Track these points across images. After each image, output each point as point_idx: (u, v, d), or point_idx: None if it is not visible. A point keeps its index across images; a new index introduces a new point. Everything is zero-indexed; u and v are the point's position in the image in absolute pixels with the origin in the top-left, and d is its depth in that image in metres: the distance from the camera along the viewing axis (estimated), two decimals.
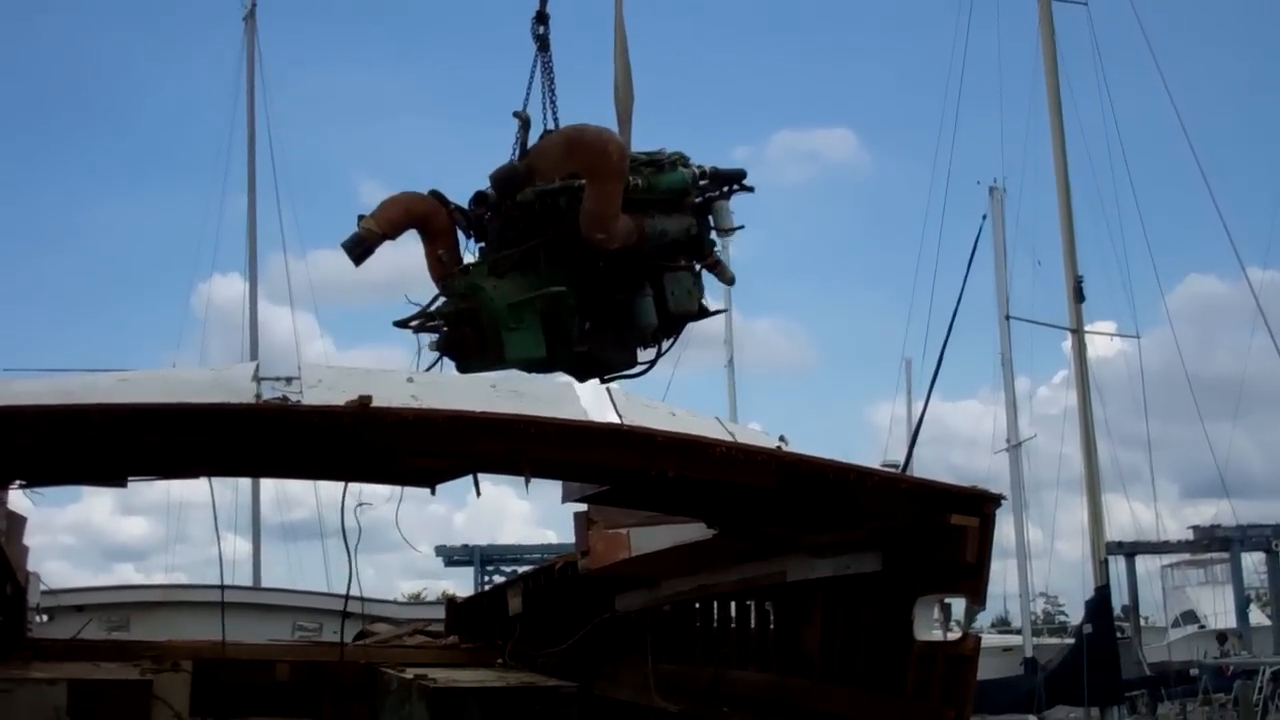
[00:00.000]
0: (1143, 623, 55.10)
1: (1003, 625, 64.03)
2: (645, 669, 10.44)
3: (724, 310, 9.24)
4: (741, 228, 8.75)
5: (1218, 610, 59.82)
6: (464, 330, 8.24)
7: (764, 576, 8.93)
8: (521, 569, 28.25)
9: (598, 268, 8.31)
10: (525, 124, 8.51)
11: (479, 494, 7.93)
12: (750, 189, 8.81)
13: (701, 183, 8.67)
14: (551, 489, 8.98)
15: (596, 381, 8.08)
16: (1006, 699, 32.57)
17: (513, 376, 7.93)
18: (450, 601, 14.45)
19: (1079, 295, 31.38)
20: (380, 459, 7.38)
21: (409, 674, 10.07)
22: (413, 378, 7.14)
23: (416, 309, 8.51)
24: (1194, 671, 43.67)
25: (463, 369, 8.33)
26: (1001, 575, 46.54)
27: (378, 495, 8.23)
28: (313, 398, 6.60)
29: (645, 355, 9.05)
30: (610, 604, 11.20)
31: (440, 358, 8.43)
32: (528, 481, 7.89)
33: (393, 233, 8.36)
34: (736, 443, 7.18)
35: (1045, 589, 67.97)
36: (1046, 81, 31.50)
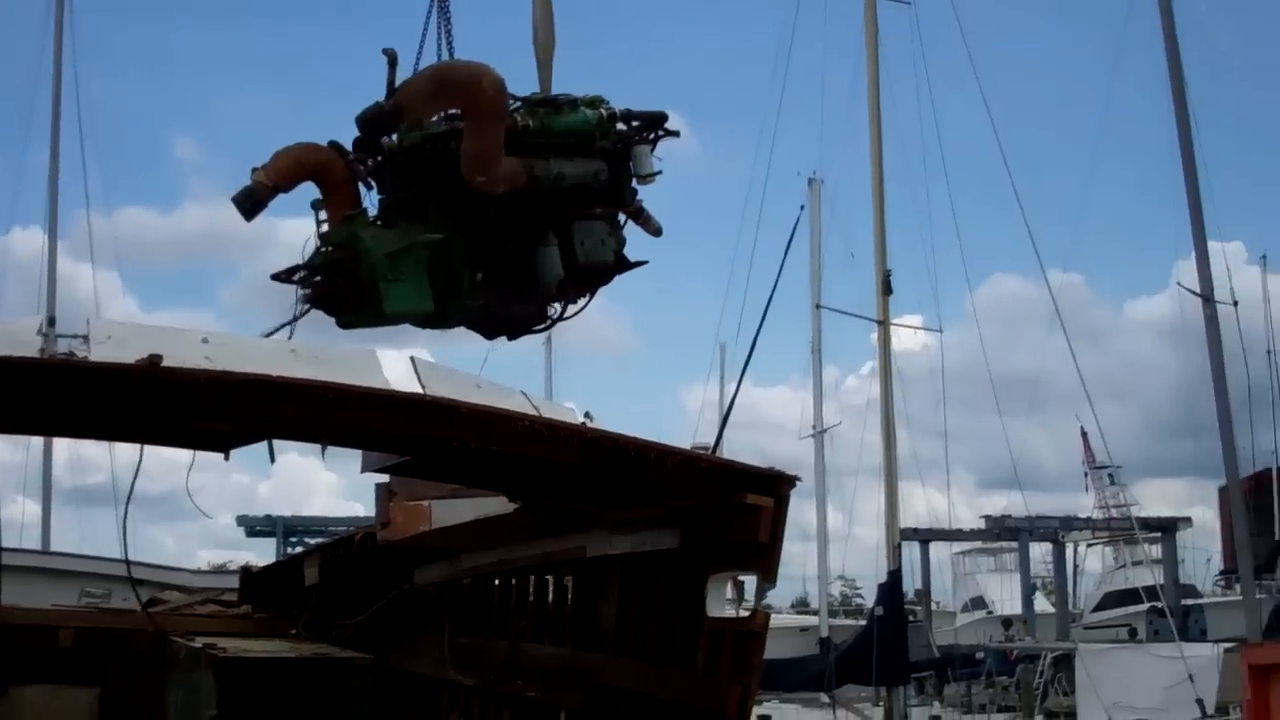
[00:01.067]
0: (934, 607, 56.72)
1: (802, 606, 65.27)
2: (442, 642, 10.37)
3: (645, 262, 8.60)
4: (659, 173, 8.21)
5: (1005, 597, 61.92)
6: (338, 282, 7.71)
7: (563, 551, 8.93)
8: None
9: (491, 215, 7.80)
10: (393, 61, 7.74)
11: (273, 460, 7.79)
12: (674, 133, 8.35)
13: (617, 126, 8.17)
14: (358, 459, 8.78)
15: (403, 353, 7.94)
16: (798, 678, 33.24)
17: (315, 343, 7.74)
18: (245, 571, 14.15)
19: (887, 288, 32.10)
20: (171, 421, 7.17)
21: (198, 643, 9.85)
22: (208, 338, 6.90)
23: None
24: (980, 655, 45.19)
25: (344, 324, 7.84)
26: (802, 558, 47.56)
27: (178, 461, 7.96)
28: (101, 354, 6.35)
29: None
30: (409, 576, 11.09)
31: (307, 310, 7.92)
32: (324, 449, 7.78)
33: (285, 185, 7.73)
34: (539, 417, 7.16)
35: (843, 572, 69.37)
36: (868, 78, 32.05)
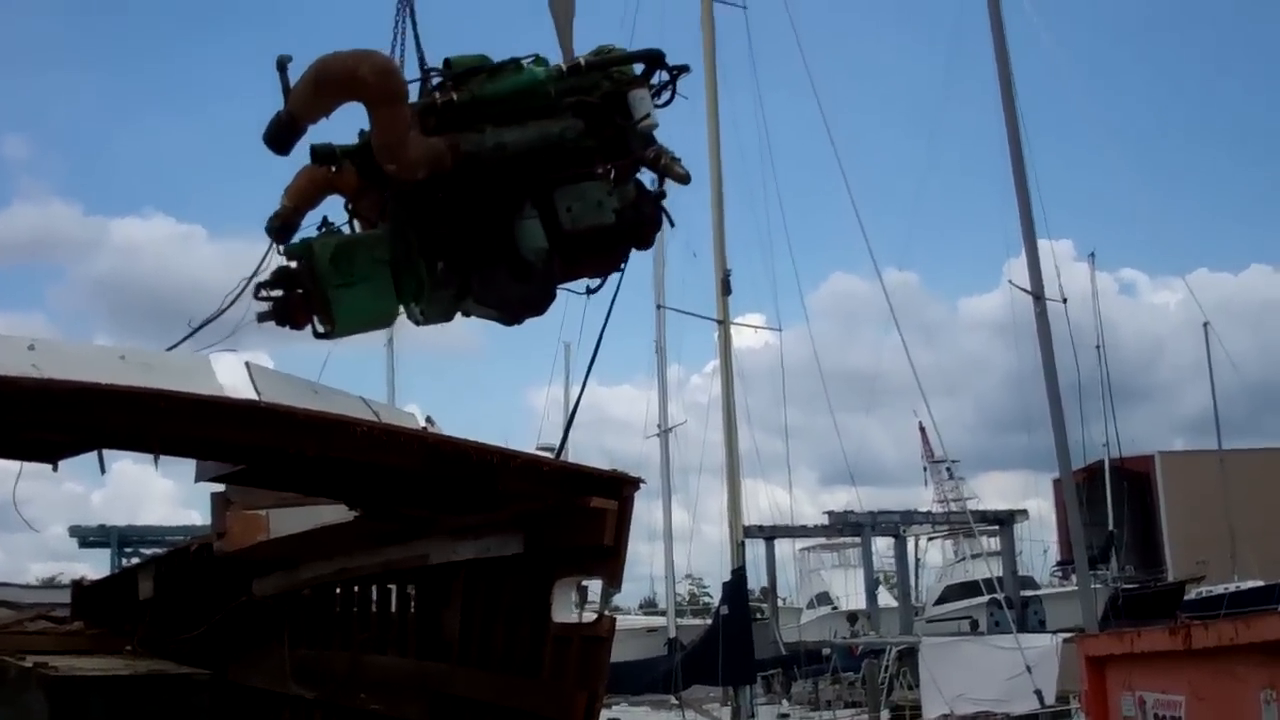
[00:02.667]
0: (780, 604, 57.41)
1: (650, 606, 65.59)
2: (282, 655, 10.16)
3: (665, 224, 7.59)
4: (657, 124, 7.32)
5: (849, 592, 63.01)
6: (293, 295, 7.20)
7: (406, 559, 8.81)
8: (161, 551, 27.17)
9: (439, 199, 7.14)
10: (281, 67, 7.06)
11: (103, 471, 7.53)
12: (682, 69, 7.46)
13: (600, 73, 7.33)
14: (192, 466, 8.53)
15: (239, 357, 7.70)
16: (646, 679, 33.31)
17: (145, 350, 7.50)
18: (77, 585, 13.72)
19: (726, 288, 32.44)
20: None
21: (28, 662, 9.50)
22: (34, 345, 6.66)
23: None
24: (826, 651, 45.80)
25: (317, 336, 7.31)
26: (649, 557, 47.81)
27: (5, 470, 7.64)
28: None
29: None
30: (247, 588, 10.86)
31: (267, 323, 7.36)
32: (157, 459, 7.55)
33: (306, 205, 7.30)
34: (379, 423, 7.05)
35: (690, 571, 70.11)
36: (705, 80, 32.28)
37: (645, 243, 7.58)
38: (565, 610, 7.39)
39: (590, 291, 7.73)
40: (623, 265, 7.61)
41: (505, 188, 7.11)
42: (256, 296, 7.27)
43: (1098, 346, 57.06)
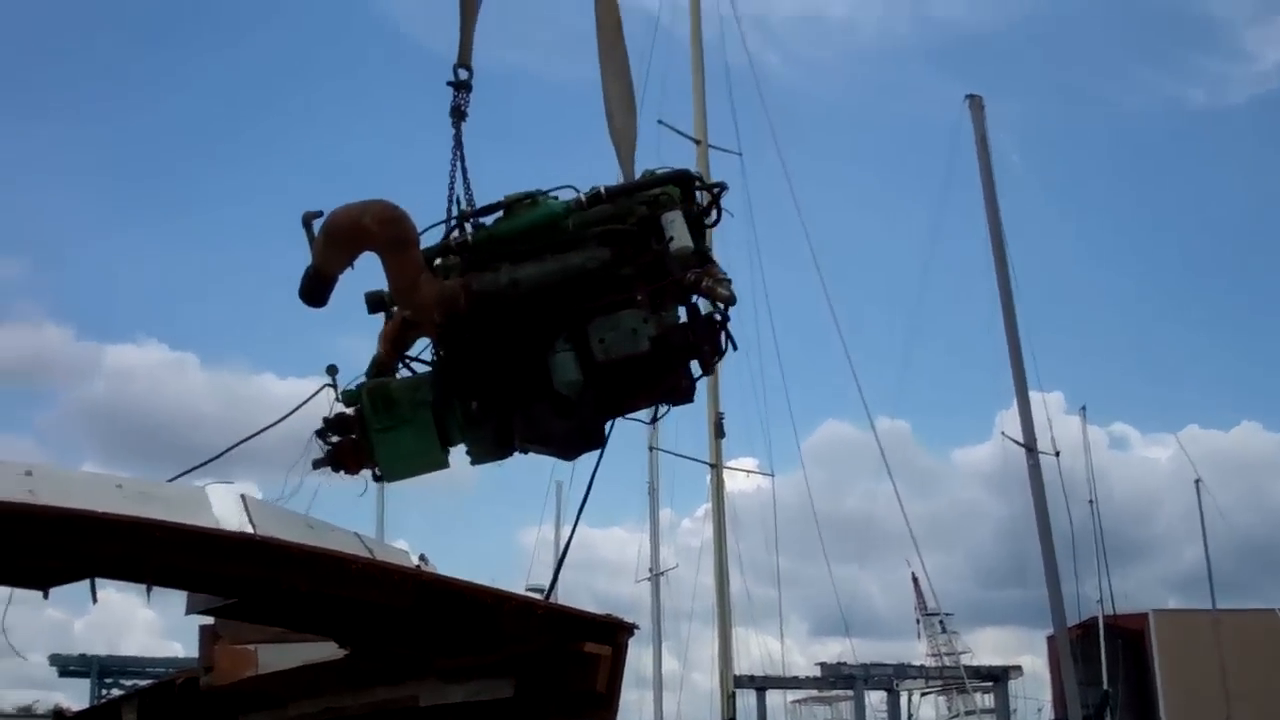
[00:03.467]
0: None
1: None
2: None
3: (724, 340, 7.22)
4: (691, 247, 6.96)
5: None
6: (345, 441, 7.26)
7: (395, 700, 8.68)
8: (143, 683, 26.83)
9: (467, 340, 7.11)
10: (305, 224, 7.10)
11: (95, 600, 7.46)
12: (720, 187, 7.25)
13: (612, 203, 7.11)
14: (178, 597, 8.47)
15: (234, 489, 7.69)
16: None
17: (142, 479, 7.50)
18: (58, 715, 13.54)
19: (719, 431, 32.60)
20: None
21: None
22: (31, 470, 6.67)
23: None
24: None
25: (376, 479, 7.38)
26: (638, 705, 47.18)
27: None
28: None
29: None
30: None
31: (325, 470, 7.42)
32: (149, 590, 7.49)
33: (396, 349, 7.34)
34: (373, 560, 7.00)
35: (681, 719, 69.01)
36: None
37: (703, 368, 7.30)
38: None
39: (654, 420, 7.70)
40: (687, 392, 7.30)
41: (532, 323, 7.00)
42: (319, 440, 7.34)
43: (1090, 500, 56.97)
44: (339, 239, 7.01)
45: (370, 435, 7.11)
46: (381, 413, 7.08)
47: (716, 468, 32.95)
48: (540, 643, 7.13)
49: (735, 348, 7.27)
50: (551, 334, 6.98)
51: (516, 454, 7.38)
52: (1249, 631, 55.53)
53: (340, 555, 6.82)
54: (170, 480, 7.49)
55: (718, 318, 7.21)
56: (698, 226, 7.17)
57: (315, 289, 7.08)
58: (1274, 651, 49.50)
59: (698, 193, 7.22)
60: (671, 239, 6.92)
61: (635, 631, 7.14)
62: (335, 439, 7.28)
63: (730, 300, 7.05)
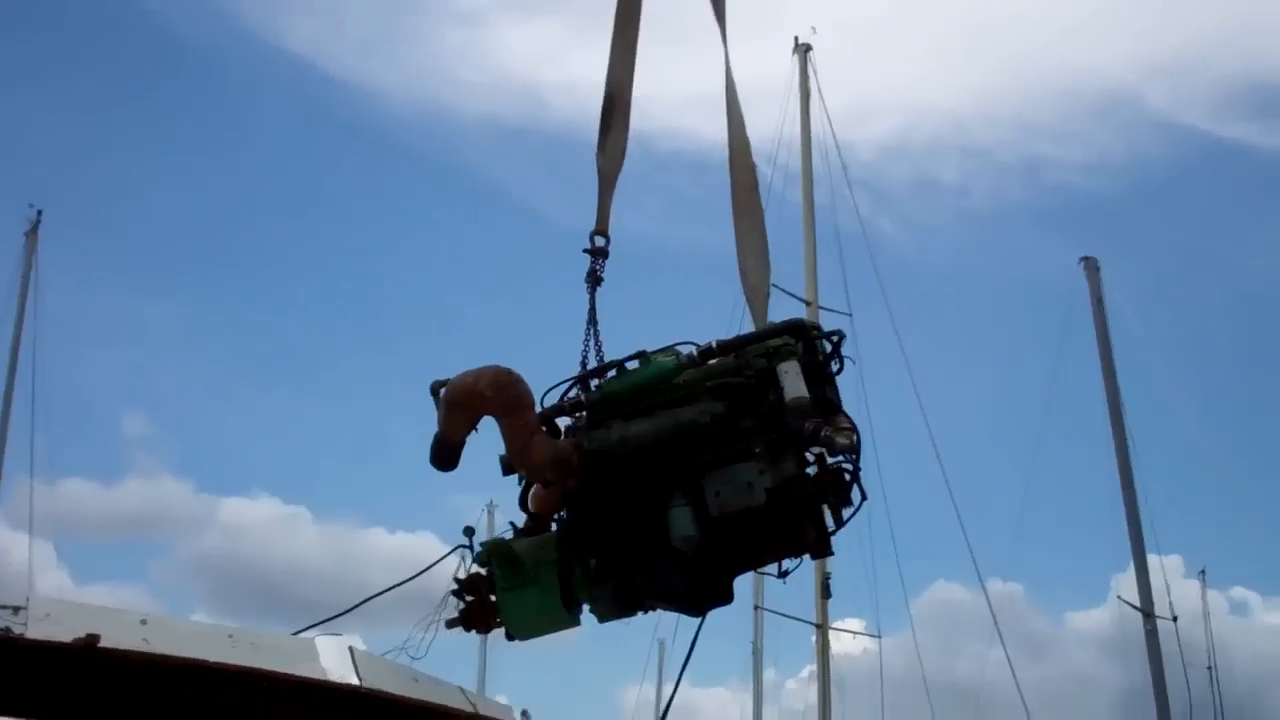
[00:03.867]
0: None
1: None
2: None
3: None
4: (805, 397, 6.88)
5: None
6: (475, 600, 7.31)
7: None
8: None
9: (589, 498, 7.22)
10: (434, 393, 7.39)
11: None
12: (839, 335, 7.16)
13: (727, 357, 7.15)
14: None
15: (342, 642, 7.82)
16: None
17: (252, 630, 7.67)
18: None
19: (826, 592, 32.25)
20: (105, 704, 7.03)
21: None
22: (146, 620, 6.87)
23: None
24: None
25: (509, 637, 7.29)
26: None
27: None
28: (38, 631, 6.30)
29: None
30: None
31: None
32: None
33: (549, 511, 7.43)
34: (478, 714, 7.06)
35: None
36: None
37: (834, 519, 7.03)
38: None
39: (783, 575, 7.63)
40: (819, 545, 7.10)
41: (647, 479, 7.03)
42: (457, 597, 7.46)
43: (1209, 667, 55.26)
44: (457, 405, 7.22)
45: (498, 594, 7.17)
46: (507, 572, 7.16)
47: (822, 628, 32.55)
48: None
49: (865, 497, 7.06)
50: (668, 490, 6.97)
51: (643, 612, 7.38)
52: None
53: (446, 709, 6.88)
54: (295, 634, 7.63)
55: (846, 468, 7.03)
56: (819, 376, 7.08)
57: (443, 454, 7.28)
58: None
59: (818, 343, 7.13)
60: (785, 388, 6.85)
61: None
62: (469, 599, 7.37)
63: (850, 449, 6.89)
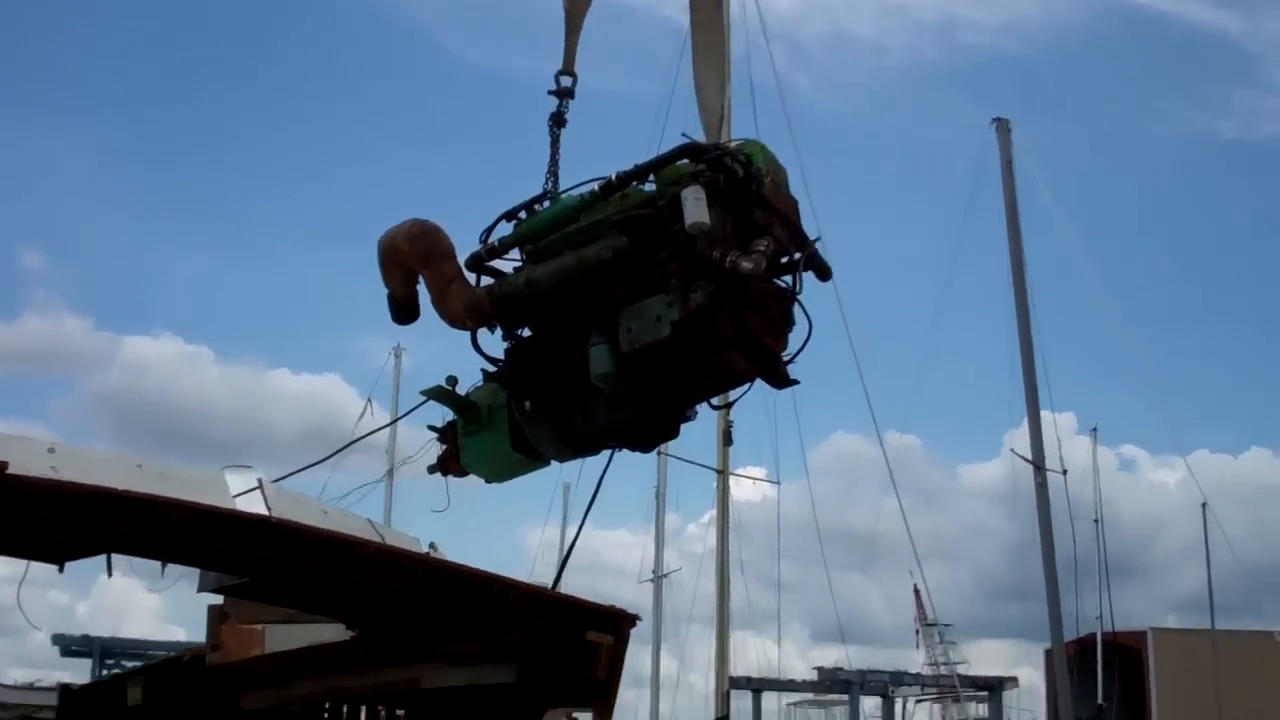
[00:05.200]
0: None
1: None
2: None
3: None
4: (704, 222, 6.37)
5: None
6: (444, 445, 7.33)
7: (399, 682, 8.86)
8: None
9: (515, 342, 7.15)
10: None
11: (110, 574, 7.64)
12: (722, 151, 6.73)
13: (629, 191, 6.84)
14: (184, 583, 8.59)
15: (250, 474, 7.83)
16: None
17: (161, 462, 7.68)
18: (64, 689, 13.69)
19: (727, 439, 32.78)
20: (12, 529, 7.05)
21: None
22: (54, 448, 6.86)
23: None
24: None
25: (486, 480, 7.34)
26: (634, 704, 47.33)
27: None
28: None
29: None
30: (236, 702, 10.86)
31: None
32: (164, 566, 7.67)
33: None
34: (384, 544, 7.19)
35: (675, 719, 69.30)
36: None
37: (774, 344, 6.76)
38: None
39: (723, 407, 7.50)
40: (780, 377, 6.85)
41: (565, 321, 6.91)
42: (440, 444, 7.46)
43: (1096, 520, 57.11)
44: (383, 260, 7.28)
45: (459, 439, 7.15)
46: (469, 417, 7.20)
47: (723, 474, 33.14)
48: (544, 630, 7.30)
49: (811, 323, 6.76)
50: (588, 329, 6.79)
51: (594, 452, 7.36)
52: (1247, 654, 55.50)
53: (353, 539, 7.01)
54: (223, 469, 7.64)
55: (789, 293, 6.78)
56: (740, 200, 6.68)
57: (396, 310, 7.30)
58: (1271, 675, 49.45)
59: (727, 165, 6.64)
60: (685, 214, 6.44)
61: (637, 622, 7.31)
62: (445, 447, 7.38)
63: (753, 271, 6.43)
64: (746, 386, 6.97)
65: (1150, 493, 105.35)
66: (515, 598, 7.16)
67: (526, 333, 7.13)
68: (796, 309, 6.70)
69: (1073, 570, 34.95)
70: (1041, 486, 25.27)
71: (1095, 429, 58.67)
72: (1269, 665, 48.84)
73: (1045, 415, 27.67)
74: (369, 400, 48.02)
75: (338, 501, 9.43)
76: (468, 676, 8.09)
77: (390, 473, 46.16)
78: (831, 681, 52.31)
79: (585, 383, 6.77)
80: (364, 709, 9.72)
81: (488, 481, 7.29)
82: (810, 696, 62.68)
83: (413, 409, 7.51)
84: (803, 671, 56.06)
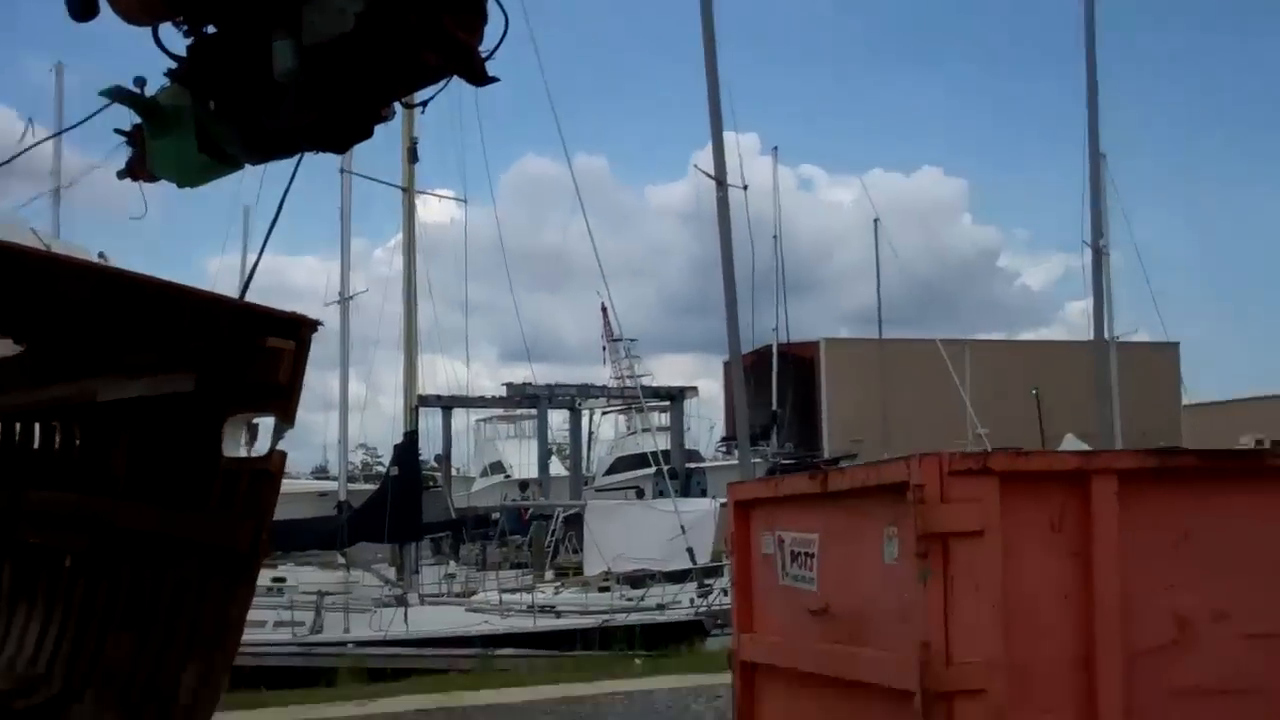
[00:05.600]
0: (454, 472, 58.00)
1: (321, 473, 65.16)
2: None
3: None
4: None
5: (523, 461, 64.23)
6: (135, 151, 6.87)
7: (73, 395, 8.72)
8: None
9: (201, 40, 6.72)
10: None
11: None
12: None
13: None
14: None
15: None
16: (312, 536, 33.30)
17: None
18: None
19: (413, 156, 32.43)
20: None
21: None
22: None
23: None
24: (495, 515, 46.72)
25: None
26: (322, 426, 47.54)
27: None
28: None
29: None
30: None
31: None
32: None
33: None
34: (51, 251, 6.98)
35: (365, 440, 70.11)
36: None
37: (464, 39, 6.44)
38: (235, 446, 7.52)
39: (416, 106, 7.31)
40: (478, 74, 6.53)
41: (247, 12, 6.56)
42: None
43: (775, 236, 59.38)
44: None
45: (146, 142, 6.91)
46: (155, 119, 6.88)
47: (408, 191, 32.85)
48: (224, 337, 7.26)
49: (506, 17, 6.46)
50: (270, 22, 6.46)
51: (287, 155, 7.20)
52: (910, 358, 59.18)
53: (18, 246, 6.78)
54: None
55: None
56: None
57: (70, 2, 6.82)
58: (932, 379, 52.86)
59: None
60: None
61: (319, 327, 7.34)
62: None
63: None
64: (441, 84, 6.70)
65: (827, 211, 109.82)
66: (192, 305, 7.08)
67: (212, 30, 6.90)
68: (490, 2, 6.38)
69: (750, 283, 36.42)
70: (723, 201, 25.89)
71: (776, 148, 60.49)
72: (928, 369, 52.14)
73: (728, 135, 28.32)
74: (29, 121, 45.22)
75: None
76: (145, 387, 8.00)
77: (57, 191, 44.07)
78: (520, 397, 53.54)
79: (271, 81, 6.47)
80: (39, 424, 9.55)
81: (180, 186, 7.11)
82: (500, 412, 64.13)
83: (92, 115, 7.21)
84: (493, 391, 57.25)
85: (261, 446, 7.82)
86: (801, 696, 6.62)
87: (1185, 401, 71.50)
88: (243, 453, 7.66)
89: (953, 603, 5.29)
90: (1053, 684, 5.45)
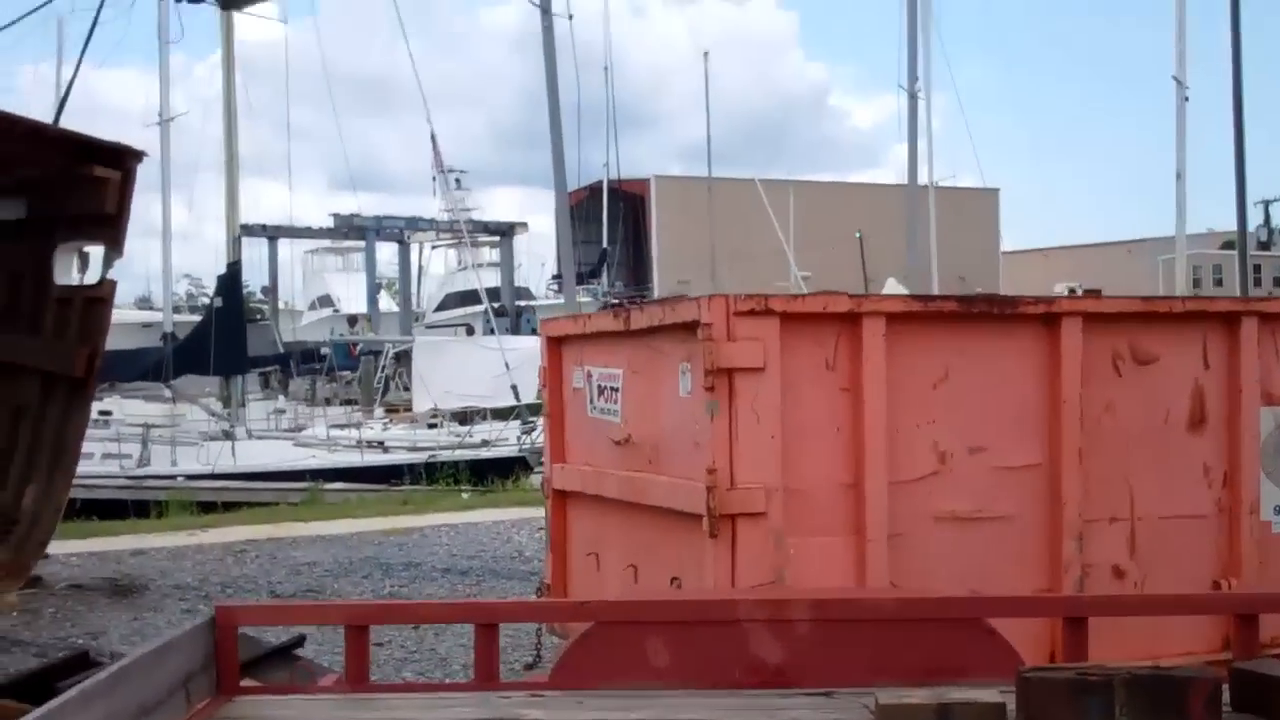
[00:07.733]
0: (281, 305, 57.46)
1: (145, 304, 63.93)
2: None
3: None
4: None
5: (352, 295, 63.70)
6: None
7: None
8: None
9: None
10: None
11: None
12: None
13: None
14: None
15: None
16: (137, 368, 32.96)
17: None
18: None
19: None
20: None
21: None
22: None
23: None
24: (324, 350, 46.58)
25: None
26: (144, 256, 46.64)
27: None
28: None
29: None
30: None
31: None
32: None
33: None
34: None
35: (190, 271, 68.72)
36: None
37: None
38: (67, 273, 7.71)
39: None
40: None
41: None
42: None
43: (605, 68, 59.01)
44: None
45: None
46: None
47: (227, 9, 31.91)
48: (50, 165, 7.39)
49: None
50: None
51: None
52: (738, 197, 59.68)
53: None
54: None
55: None
56: None
57: None
58: (759, 219, 53.47)
59: None
60: None
61: (144, 158, 7.52)
62: None
63: None
64: None
65: (659, 43, 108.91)
66: (19, 134, 7.19)
67: None
68: None
69: (577, 118, 36.33)
70: (548, 30, 25.58)
71: None
72: (756, 209, 52.76)
73: None
74: None
75: None
76: None
77: None
78: (348, 229, 53.03)
79: None
80: None
81: None
82: (327, 244, 63.38)
83: None
84: (321, 220, 56.49)
85: (92, 275, 8.03)
86: (608, 523, 7.05)
87: (1005, 248, 73.64)
88: (75, 280, 7.84)
89: (737, 433, 5.73)
90: (826, 508, 5.92)
